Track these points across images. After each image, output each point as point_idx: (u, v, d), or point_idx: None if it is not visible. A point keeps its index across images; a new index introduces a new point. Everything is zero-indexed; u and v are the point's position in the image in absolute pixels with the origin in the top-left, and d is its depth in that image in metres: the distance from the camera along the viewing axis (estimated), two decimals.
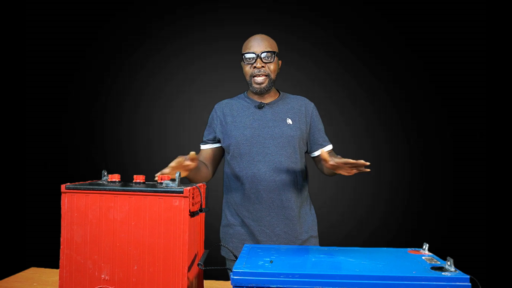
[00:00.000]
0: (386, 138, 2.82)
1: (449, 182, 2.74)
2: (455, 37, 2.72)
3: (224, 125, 1.64)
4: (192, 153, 1.31)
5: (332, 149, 1.69)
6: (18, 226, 2.95)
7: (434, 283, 0.85)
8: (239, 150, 1.59)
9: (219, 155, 1.72)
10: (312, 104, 1.70)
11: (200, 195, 1.18)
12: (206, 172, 1.65)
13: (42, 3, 3.00)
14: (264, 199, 1.56)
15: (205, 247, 1.25)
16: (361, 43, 2.84)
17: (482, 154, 2.69)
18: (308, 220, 1.64)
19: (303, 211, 1.63)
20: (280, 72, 1.68)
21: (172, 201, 1.07)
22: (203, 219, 1.26)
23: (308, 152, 1.70)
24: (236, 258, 1.03)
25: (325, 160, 1.34)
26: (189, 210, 1.08)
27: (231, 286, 0.89)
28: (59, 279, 1.13)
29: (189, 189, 1.08)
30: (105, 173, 1.26)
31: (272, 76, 1.61)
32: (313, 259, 1.00)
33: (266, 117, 1.62)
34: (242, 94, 1.72)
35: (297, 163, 1.60)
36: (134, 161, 2.94)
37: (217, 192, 1.84)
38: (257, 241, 1.58)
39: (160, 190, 1.08)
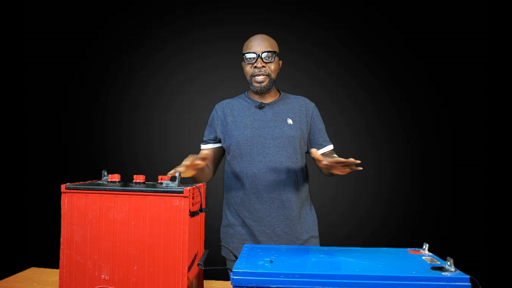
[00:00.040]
0: (386, 138, 2.82)
1: (449, 182, 2.74)
2: (455, 37, 2.72)
3: (225, 125, 1.64)
4: (205, 152, 1.33)
5: (333, 149, 1.69)
6: (18, 226, 2.95)
7: (434, 283, 0.85)
8: (239, 150, 1.59)
9: (220, 155, 1.73)
10: (313, 104, 1.70)
11: (200, 195, 1.18)
12: (208, 172, 1.66)
13: (42, 3, 3.00)
14: (265, 199, 1.56)
15: (205, 247, 1.25)
16: (361, 43, 2.84)
17: (482, 154, 2.69)
18: (308, 220, 1.64)
19: (304, 211, 1.63)
20: (280, 72, 1.68)
21: (172, 201, 1.07)
22: (203, 219, 1.26)
23: (308, 152, 1.70)
24: (236, 258, 1.03)
25: (318, 160, 1.35)
26: (189, 210, 1.08)
27: (231, 286, 0.89)
28: (59, 279, 1.13)
29: (189, 189, 1.08)
30: (105, 173, 1.26)
31: (273, 76, 1.61)
32: (313, 259, 1.00)
33: (266, 117, 1.62)
34: (243, 94, 1.72)
35: (298, 163, 1.60)
36: (134, 161, 2.94)
37: (217, 192, 1.84)
38: (257, 241, 1.58)
39: (160, 190, 1.08)
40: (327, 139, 1.69)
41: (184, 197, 1.07)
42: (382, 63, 2.83)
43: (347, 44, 2.85)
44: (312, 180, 1.73)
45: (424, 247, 1.09)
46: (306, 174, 1.67)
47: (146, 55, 2.98)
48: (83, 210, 1.12)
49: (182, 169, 1.25)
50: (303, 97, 1.71)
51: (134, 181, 1.20)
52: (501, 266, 2.56)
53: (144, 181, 1.20)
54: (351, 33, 2.85)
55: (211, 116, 1.72)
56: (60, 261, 1.13)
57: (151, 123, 2.97)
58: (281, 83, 1.76)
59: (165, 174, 1.22)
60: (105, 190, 1.11)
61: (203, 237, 1.25)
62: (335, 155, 1.56)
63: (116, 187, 1.11)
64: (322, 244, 1.68)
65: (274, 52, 1.60)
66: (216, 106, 1.72)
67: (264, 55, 1.58)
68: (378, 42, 2.82)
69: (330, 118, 2.54)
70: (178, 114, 2.95)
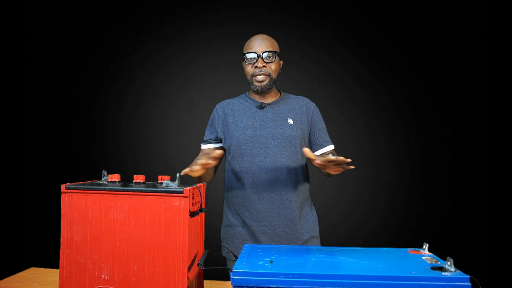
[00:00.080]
0: (386, 138, 2.82)
1: (449, 182, 2.74)
2: (455, 37, 2.72)
3: (226, 125, 1.64)
4: (219, 151, 1.38)
5: (334, 149, 1.69)
6: (18, 226, 2.95)
7: (434, 283, 0.85)
8: (240, 150, 1.59)
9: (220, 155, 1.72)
10: (313, 104, 1.70)
11: (200, 195, 1.18)
12: (211, 172, 1.68)
13: (42, 3, 3.00)
14: (265, 199, 1.56)
15: (205, 247, 1.25)
16: (361, 43, 2.84)
17: (482, 154, 2.69)
18: (309, 221, 1.64)
19: (304, 211, 1.63)
20: (281, 72, 1.68)
21: (172, 201, 1.07)
22: (203, 219, 1.26)
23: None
24: (237, 258, 1.03)
25: (312, 159, 1.35)
26: (189, 210, 1.08)
27: (231, 286, 0.89)
28: (59, 279, 1.13)
29: (189, 189, 1.08)
30: (105, 173, 1.26)
31: (273, 75, 1.61)
32: (313, 259, 1.00)
33: (267, 117, 1.62)
34: (243, 94, 1.72)
35: (298, 163, 1.60)
36: (134, 161, 2.94)
37: (217, 192, 1.84)
38: (258, 242, 1.58)
39: (160, 190, 1.08)
40: (328, 139, 1.69)
41: (184, 197, 1.07)
42: (382, 63, 2.83)
43: (347, 44, 2.85)
44: (312, 180, 1.74)
45: (424, 247, 1.09)
46: (306, 174, 1.67)
47: (146, 55, 2.98)
48: (83, 210, 1.12)
49: (198, 168, 1.26)
50: (304, 97, 1.71)
51: (134, 181, 1.20)
52: (501, 266, 2.56)
53: (144, 181, 1.20)
54: (351, 33, 2.85)
55: (211, 116, 1.72)
56: (60, 261, 1.13)
57: (151, 123, 2.97)
58: (281, 83, 1.76)
59: (165, 174, 1.22)
60: (105, 190, 1.11)
61: (203, 237, 1.25)
62: (329, 155, 1.56)
63: (116, 187, 1.11)
64: (322, 244, 1.68)
65: (275, 52, 1.60)
66: (216, 106, 1.72)
67: (264, 55, 1.58)
68: (378, 42, 2.82)
69: (330, 118, 2.54)
70: (178, 114, 2.95)
